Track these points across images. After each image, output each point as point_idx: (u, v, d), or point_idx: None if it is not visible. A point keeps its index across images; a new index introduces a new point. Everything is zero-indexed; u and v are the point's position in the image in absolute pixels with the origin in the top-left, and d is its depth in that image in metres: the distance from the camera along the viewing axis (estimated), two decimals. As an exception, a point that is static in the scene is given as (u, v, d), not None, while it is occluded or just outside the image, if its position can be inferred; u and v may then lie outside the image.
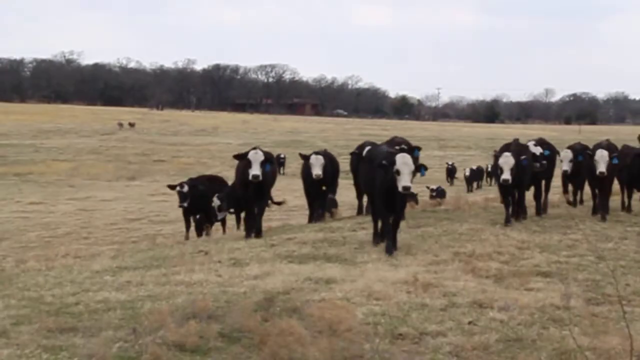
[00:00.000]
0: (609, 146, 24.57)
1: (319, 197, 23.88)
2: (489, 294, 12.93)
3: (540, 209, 23.59)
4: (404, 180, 16.26)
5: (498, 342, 10.56)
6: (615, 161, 23.42)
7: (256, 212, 20.55)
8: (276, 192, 26.50)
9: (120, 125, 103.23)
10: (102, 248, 23.18)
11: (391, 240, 16.75)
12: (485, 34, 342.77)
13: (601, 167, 22.95)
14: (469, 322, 11.48)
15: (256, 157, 19.88)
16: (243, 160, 20.25)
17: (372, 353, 9.72)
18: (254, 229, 20.28)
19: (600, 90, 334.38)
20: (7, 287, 13.59)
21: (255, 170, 19.71)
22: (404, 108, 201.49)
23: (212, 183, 27.70)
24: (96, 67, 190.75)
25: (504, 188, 21.20)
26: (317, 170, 22.85)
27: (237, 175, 21.34)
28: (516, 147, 21.96)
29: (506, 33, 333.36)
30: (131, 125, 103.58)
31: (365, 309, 11.55)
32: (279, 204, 27.79)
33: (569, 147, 25.56)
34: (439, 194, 43.87)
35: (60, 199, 47.95)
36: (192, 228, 26.59)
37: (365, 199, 22.12)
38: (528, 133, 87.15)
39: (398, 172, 16.21)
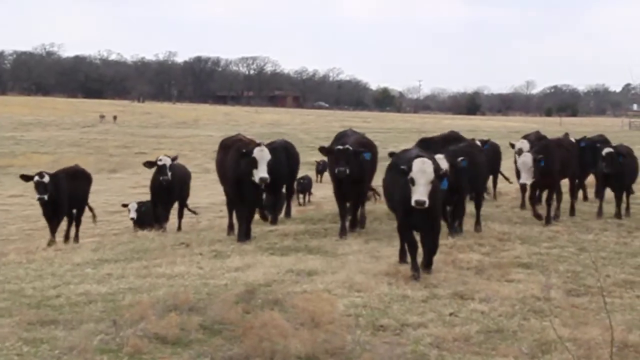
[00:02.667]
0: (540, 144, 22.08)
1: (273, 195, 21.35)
2: (470, 286, 12.98)
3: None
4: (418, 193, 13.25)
5: (479, 333, 10.59)
6: (542, 163, 19.55)
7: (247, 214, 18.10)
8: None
9: (102, 117, 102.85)
10: (83, 241, 23.07)
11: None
12: (467, 26, 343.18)
13: (523, 178, 19.77)
14: (450, 314, 11.52)
15: (263, 156, 17.44)
16: (245, 157, 17.48)
17: (353, 344, 9.73)
18: (245, 233, 17.77)
19: (581, 82, 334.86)
20: (-12, 280, 13.54)
21: (263, 173, 17.27)
22: (386, 100, 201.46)
23: (75, 177, 24.86)
24: (77, 59, 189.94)
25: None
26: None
27: (226, 172, 18.61)
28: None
29: (487, 25, 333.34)
30: (114, 118, 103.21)
31: (347, 300, 11.57)
32: (194, 212, 26.68)
33: (525, 137, 25.02)
34: None
35: (41, 192, 47.77)
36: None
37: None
38: (509, 125, 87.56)
39: (412, 182, 13.22)
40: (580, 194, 24.96)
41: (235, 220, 19.15)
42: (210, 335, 10.07)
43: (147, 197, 24.25)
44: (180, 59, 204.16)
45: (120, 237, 20.08)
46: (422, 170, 13.17)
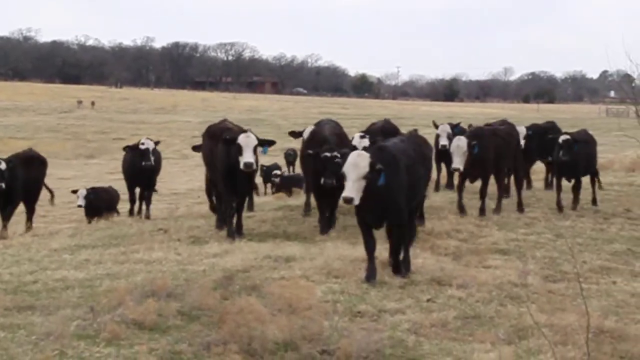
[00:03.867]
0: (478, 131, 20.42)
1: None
2: (447, 272, 13.01)
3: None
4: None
5: (456, 319, 10.64)
6: (476, 150, 18.60)
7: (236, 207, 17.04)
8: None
9: (80, 103, 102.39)
10: (60, 226, 22.97)
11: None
12: (445, 13, 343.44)
13: (456, 162, 18.74)
14: (428, 300, 11.57)
15: (248, 142, 16.33)
16: (229, 144, 16.51)
17: (331, 330, 9.75)
18: (234, 226, 16.69)
19: (559, 69, 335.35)
20: (-36, 266, 13.49)
21: (248, 158, 16.14)
22: (364, 86, 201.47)
23: (31, 163, 23.23)
24: (54, 44, 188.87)
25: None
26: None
27: (216, 161, 17.39)
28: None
29: (466, 12, 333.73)
30: (92, 104, 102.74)
31: (325, 286, 11.59)
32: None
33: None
34: None
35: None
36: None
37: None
38: (487, 112, 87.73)
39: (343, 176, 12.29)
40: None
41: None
42: (188, 321, 10.06)
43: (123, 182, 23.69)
44: (158, 44, 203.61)
45: (98, 222, 19.99)
46: (354, 164, 11.98)
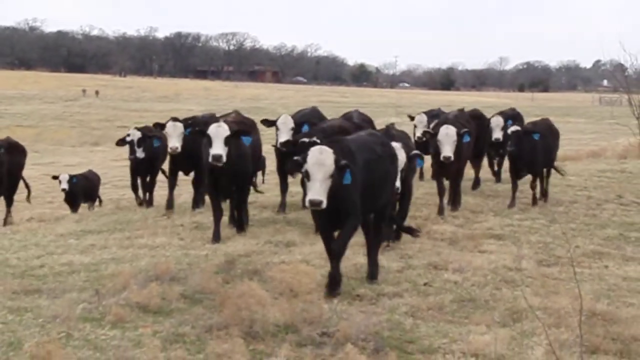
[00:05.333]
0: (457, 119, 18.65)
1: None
2: (443, 256, 13.06)
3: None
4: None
5: (452, 302, 10.69)
6: (467, 139, 17.59)
7: (235, 205, 15.87)
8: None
9: (84, 91, 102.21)
10: (66, 212, 22.97)
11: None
12: (442, 3, 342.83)
13: (446, 150, 17.04)
14: (425, 284, 11.60)
15: (218, 132, 14.47)
16: (200, 136, 15.01)
17: (330, 313, 9.79)
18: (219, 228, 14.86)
19: (553, 58, 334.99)
20: (-27, 251, 13.51)
21: (216, 149, 14.29)
22: (362, 75, 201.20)
23: (12, 151, 22.32)
24: (59, 34, 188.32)
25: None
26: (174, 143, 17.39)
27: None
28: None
29: (462, 1, 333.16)
30: (96, 93, 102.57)
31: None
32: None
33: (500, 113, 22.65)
34: None
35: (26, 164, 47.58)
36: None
37: None
38: (483, 100, 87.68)
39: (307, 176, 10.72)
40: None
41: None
42: (191, 305, 10.10)
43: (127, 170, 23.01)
44: (161, 34, 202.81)
45: (103, 208, 19.99)
46: (320, 163, 10.45)
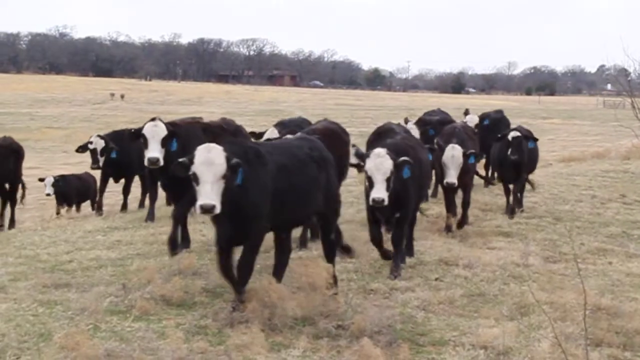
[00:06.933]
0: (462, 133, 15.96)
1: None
2: (454, 253, 13.03)
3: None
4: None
5: (462, 296, 10.67)
6: (472, 160, 15.20)
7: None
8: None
9: (112, 95, 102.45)
10: (92, 211, 23.01)
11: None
12: (453, 9, 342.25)
13: (451, 177, 14.82)
14: (436, 279, 11.59)
15: (155, 132, 12.81)
16: (137, 137, 13.23)
17: (346, 307, 9.76)
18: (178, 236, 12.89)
19: (559, 63, 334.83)
20: (5, 246, 13.54)
21: (152, 152, 12.70)
22: (377, 79, 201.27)
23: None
24: (88, 40, 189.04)
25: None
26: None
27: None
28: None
29: (472, 8, 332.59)
30: (122, 97, 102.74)
31: (340, 266, 11.57)
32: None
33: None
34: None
35: (55, 164, 47.60)
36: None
37: None
38: (492, 103, 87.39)
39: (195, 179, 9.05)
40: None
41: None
42: (213, 298, 10.11)
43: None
44: (184, 40, 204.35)
45: (129, 206, 19.95)
46: (208, 162, 8.94)
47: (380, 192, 11.07)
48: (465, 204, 15.76)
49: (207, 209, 8.76)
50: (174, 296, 9.85)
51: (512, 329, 9.17)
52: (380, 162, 11.19)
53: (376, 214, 11.86)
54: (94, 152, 18.76)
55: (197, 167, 8.88)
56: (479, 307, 10.29)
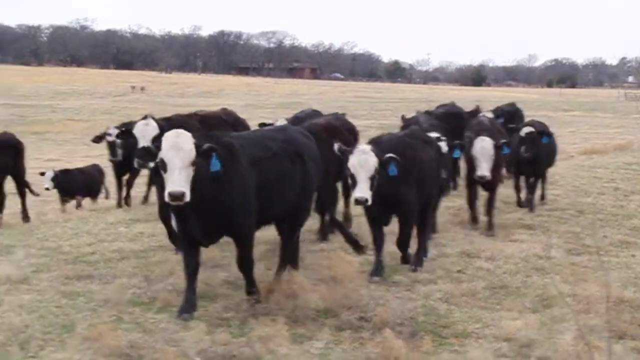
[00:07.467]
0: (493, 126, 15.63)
1: None
2: (476, 245, 13.02)
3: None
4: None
5: (485, 289, 10.63)
6: (506, 150, 14.53)
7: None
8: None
9: (133, 87, 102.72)
10: (116, 202, 23.06)
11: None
12: (474, 2, 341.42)
13: (483, 170, 14.25)
14: (458, 271, 11.56)
15: (145, 131, 11.84)
16: (127, 138, 12.73)
17: (368, 299, 9.77)
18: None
19: (580, 55, 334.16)
20: (28, 238, 13.60)
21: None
22: (397, 72, 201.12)
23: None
24: (109, 32, 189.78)
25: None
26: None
27: None
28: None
29: (493, 0, 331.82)
30: (142, 89, 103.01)
31: (361, 258, 11.57)
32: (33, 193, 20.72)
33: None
34: None
35: (76, 156, 47.75)
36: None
37: None
38: (512, 95, 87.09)
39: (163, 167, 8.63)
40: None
41: None
42: (234, 290, 10.12)
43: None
44: (205, 32, 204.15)
45: (151, 197, 20.01)
46: (177, 147, 8.53)
47: (363, 192, 10.41)
48: (491, 207, 14.89)
49: (176, 196, 8.33)
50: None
51: (535, 321, 9.15)
52: (365, 160, 10.53)
53: (372, 214, 11.42)
54: (112, 144, 18.11)
55: (165, 153, 8.49)
56: (502, 299, 10.26)
